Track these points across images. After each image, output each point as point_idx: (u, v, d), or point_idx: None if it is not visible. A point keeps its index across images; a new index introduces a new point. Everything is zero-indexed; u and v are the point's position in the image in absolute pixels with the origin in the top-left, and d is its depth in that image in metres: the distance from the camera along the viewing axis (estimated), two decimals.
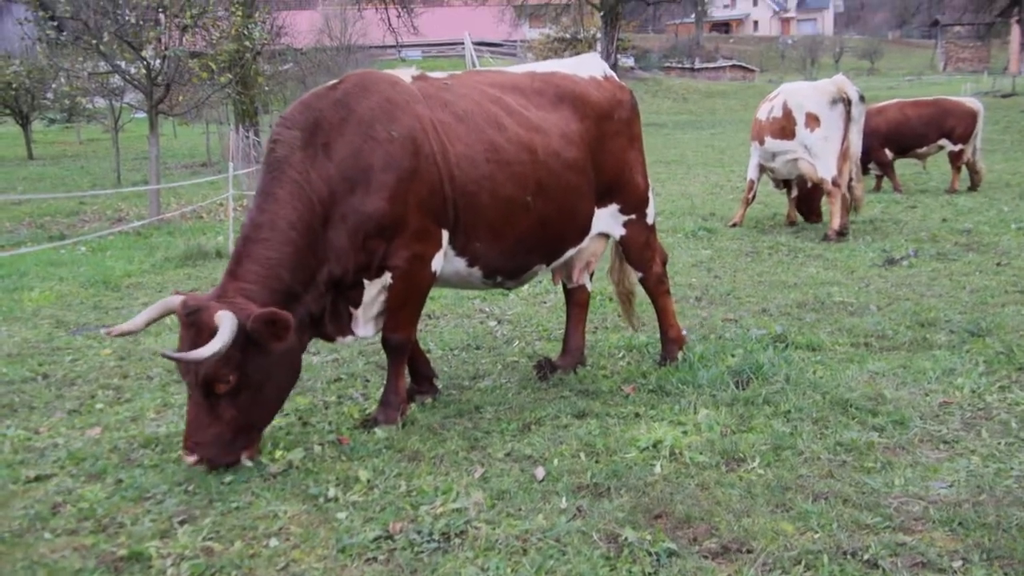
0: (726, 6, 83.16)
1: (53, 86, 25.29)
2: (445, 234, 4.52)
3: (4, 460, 4.25)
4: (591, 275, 5.65)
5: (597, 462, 4.00)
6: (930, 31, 69.83)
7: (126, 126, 24.25)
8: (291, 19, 28.73)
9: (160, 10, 13.59)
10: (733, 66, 59.17)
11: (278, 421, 4.55)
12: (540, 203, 4.76)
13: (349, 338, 4.50)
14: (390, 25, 32.53)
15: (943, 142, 13.55)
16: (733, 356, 5.41)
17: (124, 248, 11.58)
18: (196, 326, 3.80)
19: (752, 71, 58.76)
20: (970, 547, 3.14)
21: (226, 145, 22.57)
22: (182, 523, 3.52)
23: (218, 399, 3.84)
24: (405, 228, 4.33)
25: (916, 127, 13.51)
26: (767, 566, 3.08)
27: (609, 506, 3.53)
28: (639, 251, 5.44)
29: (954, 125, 13.37)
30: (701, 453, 4.03)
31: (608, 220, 5.30)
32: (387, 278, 4.41)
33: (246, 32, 15.90)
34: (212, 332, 3.70)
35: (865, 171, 12.71)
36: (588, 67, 5.37)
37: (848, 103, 9.71)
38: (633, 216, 5.35)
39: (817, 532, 3.28)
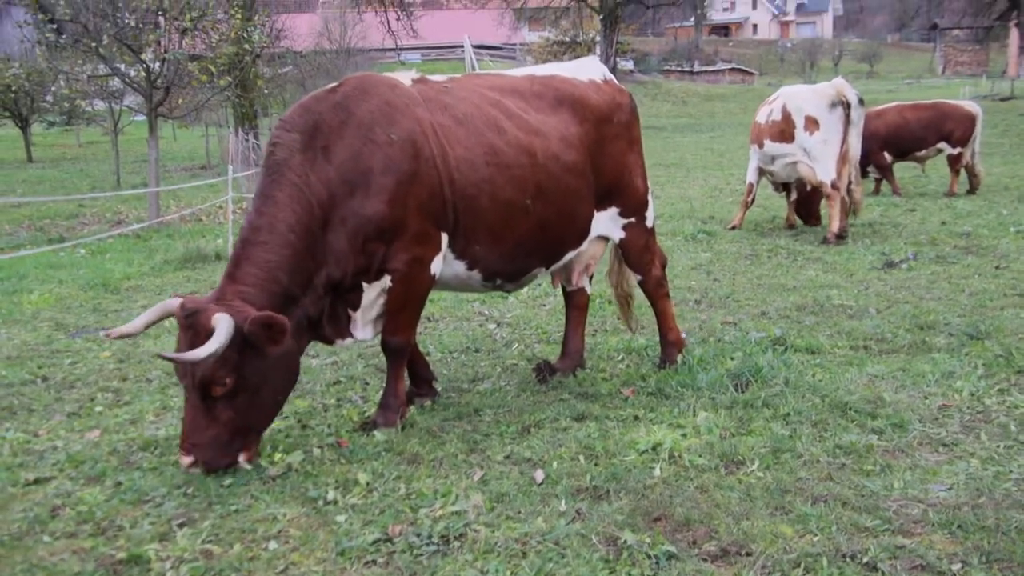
0: (725, 9, 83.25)
1: (52, 89, 25.28)
2: (445, 237, 4.52)
3: (3, 463, 4.24)
4: (590, 278, 5.65)
5: (596, 465, 4.00)
6: (929, 34, 69.89)
7: (125, 129, 24.23)
8: (290, 22, 28.79)
9: (159, 13, 13.59)
10: (732, 69, 59.20)
11: (277, 424, 4.55)
12: (540, 206, 4.76)
13: (347, 341, 4.50)
14: (389, 28, 32.57)
15: (942, 145, 13.58)
16: (732, 359, 5.41)
17: (123, 251, 11.58)
18: (193, 328, 3.80)
19: (751, 74, 58.79)
20: (969, 550, 3.14)
21: (225, 148, 22.58)
22: (181, 526, 3.52)
23: (215, 402, 3.84)
24: (405, 231, 4.34)
25: (915, 130, 13.54)
26: (766, 569, 3.08)
27: (608, 509, 3.53)
28: (638, 254, 5.45)
29: (953, 128, 13.40)
30: (700, 456, 4.03)
31: (607, 223, 5.30)
32: (386, 281, 4.41)
33: (245, 35, 15.91)
34: (209, 334, 3.70)
35: (864, 174, 12.74)
36: (587, 70, 5.38)
37: (847, 106, 9.73)
38: (632, 219, 5.36)
39: (816, 535, 3.28)
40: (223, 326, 3.69)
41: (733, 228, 11.18)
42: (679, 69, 58.64)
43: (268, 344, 3.79)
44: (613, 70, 32.93)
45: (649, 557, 3.15)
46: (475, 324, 6.95)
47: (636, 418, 4.59)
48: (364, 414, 4.79)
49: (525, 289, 6.54)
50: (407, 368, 4.85)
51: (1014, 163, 17.71)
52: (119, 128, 22.10)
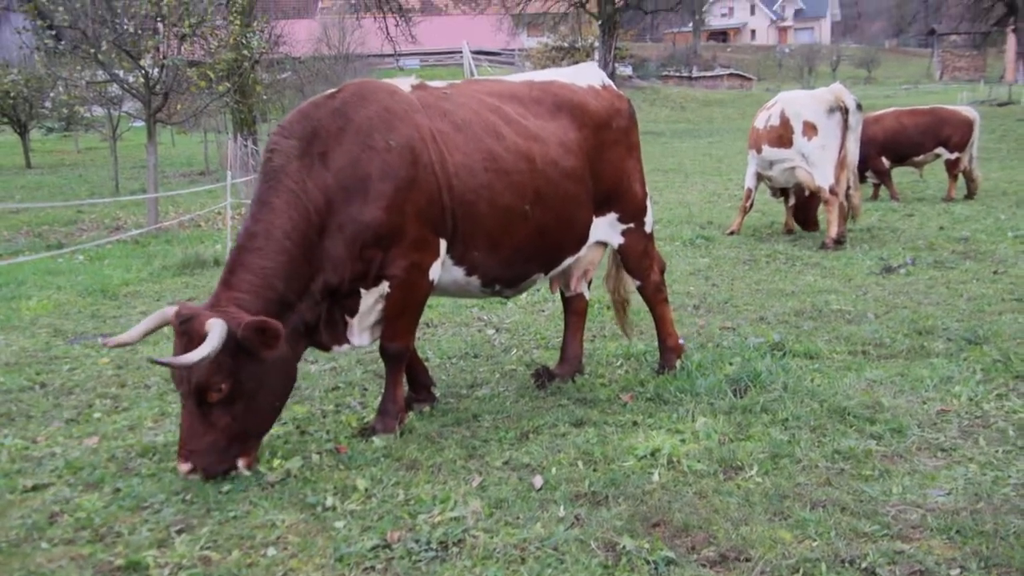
0: (724, 15, 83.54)
1: (51, 95, 25.22)
2: (443, 243, 4.52)
3: (2, 469, 4.24)
4: (589, 283, 5.66)
5: (595, 470, 4.00)
6: (927, 40, 70.06)
7: (124, 135, 24.27)
8: (289, 28, 28.81)
9: (158, 19, 13.60)
10: (730, 75, 59.38)
11: (276, 430, 4.54)
12: (538, 212, 4.77)
13: (344, 347, 4.50)
14: (388, 34, 32.67)
15: (940, 150, 13.61)
16: (731, 364, 5.41)
17: (122, 257, 11.58)
18: (188, 334, 3.80)
19: (749, 80, 58.95)
20: (968, 555, 3.14)
21: (224, 154, 22.60)
22: (180, 532, 3.51)
23: (211, 408, 3.83)
24: (403, 237, 4.33)
25: (913, 136, 13.57)
26: (765, 574, 3.07)
27: (607, 514, 3.53)
28: (637, 259, 5.45)
29: (950, 134, 13.43)
30: (699, 461, 4.03)
31: (606, 229, 5.31)
32: (385, 287, 4.40)
33: (244, 41, 15.94)
34: (203, 340, 3.70)
35: (862, 179, 12.74)
36: (586, 76, 5.39)
37: (845, 112, 9.75)
38: (631, 225, 5.36)
39: (815, 540, 3.28)
40: (216, 331, 3.70)
41: (731, 233, 11.19)
42: (677, 75, 58.79)
43: (262, 349, 3.79)
44: (611, 76, 33.00)
45: (648, 563, 3.15)
46: (474, 330, 6.95)
47: (635, 424, 4.59)
48: (363, 420, 4.78)
49: (524, 295, 6.54)
50: (406, 374, 4.85)
51: (1012, 168, 17.75)
52: (118, 134, 22.14)
